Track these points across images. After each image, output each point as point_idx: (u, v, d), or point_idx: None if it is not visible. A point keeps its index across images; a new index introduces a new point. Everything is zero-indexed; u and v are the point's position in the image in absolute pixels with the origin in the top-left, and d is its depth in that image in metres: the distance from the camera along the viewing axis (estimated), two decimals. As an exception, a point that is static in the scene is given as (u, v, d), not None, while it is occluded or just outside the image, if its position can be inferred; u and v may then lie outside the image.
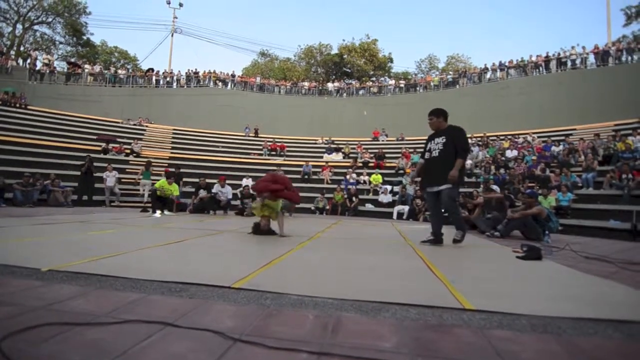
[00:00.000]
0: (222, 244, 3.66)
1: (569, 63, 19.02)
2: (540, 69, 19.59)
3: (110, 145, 14.82)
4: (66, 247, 3.09)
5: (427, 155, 4.29)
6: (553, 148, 13.18)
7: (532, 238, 5.13)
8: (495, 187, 6.16)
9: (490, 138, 16.21)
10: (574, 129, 16.05)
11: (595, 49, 18.42)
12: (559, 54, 19.53)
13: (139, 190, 12.05)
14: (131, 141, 15.98)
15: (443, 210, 4.30)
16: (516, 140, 15.49)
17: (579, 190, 9.81)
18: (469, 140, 15.50)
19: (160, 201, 8.02)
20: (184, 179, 10.91)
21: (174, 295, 1.76)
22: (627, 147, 11.07)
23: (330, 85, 25.69)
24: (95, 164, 11.18)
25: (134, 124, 19.43)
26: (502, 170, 11.82)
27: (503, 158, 13.24)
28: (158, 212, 7.62)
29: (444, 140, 4.11)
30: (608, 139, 12.45)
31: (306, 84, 26.14)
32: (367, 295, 1.84)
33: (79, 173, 10.55)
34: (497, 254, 3.74)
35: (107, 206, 10.36)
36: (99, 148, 14.49)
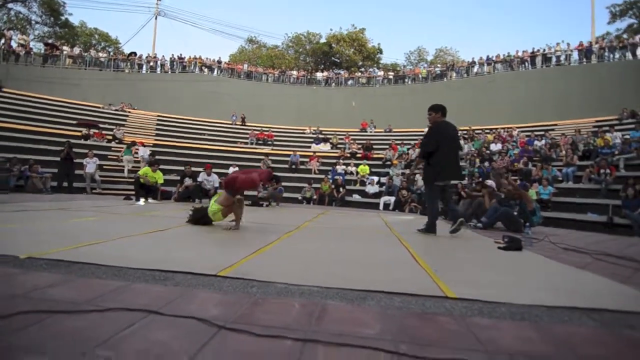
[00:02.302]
0: (208, 233, 3.62)
1: (554, 59, 19.38)
2: (526, 64, 19.89)
3: (92, 131, 14.37)
4: (46, 234, 3.01)
5: None
6: (536, 142, 13.50)
7: (514, 230, 5.28)
8: (489, 181, 6.31)
9: (476, 131, 16.45)
10: (556, 124, 16.47)
11: (580, 46, 18.81)
12: (544, 50, 19.85)
13: (123, 166, 12.16)
14: (113, 127, 15.53)
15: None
16: (501, 134, 15.77)
17: (559, 184, 10.12)
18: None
19: (144, 189, 7.86)
20: (166, 167, 10.71)
21: (159, 283, 1.74)
22: (605, 143, 11.44)
23: (319, 74, 25.46)
24: (75, 150, 10.84)
25: (116, 110, 18.87)
26: (486, 164, 12.05)
27: (488, 151, 13.49)
28: (142, 200, 7.47)
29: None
30: (588, 134, 12.83)
31: (294, 72, 25.83)
32: (353, 284, 1.86)
33: (58, 159, 10.22)
34: (480, 244, 3.83)
35: (88, 193, 10.09)
36: (79, 134, 14.03)
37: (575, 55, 18.98)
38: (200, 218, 4.05)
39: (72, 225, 3.68)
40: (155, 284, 1.73)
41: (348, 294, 1.71)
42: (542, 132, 14.77)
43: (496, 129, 16.83)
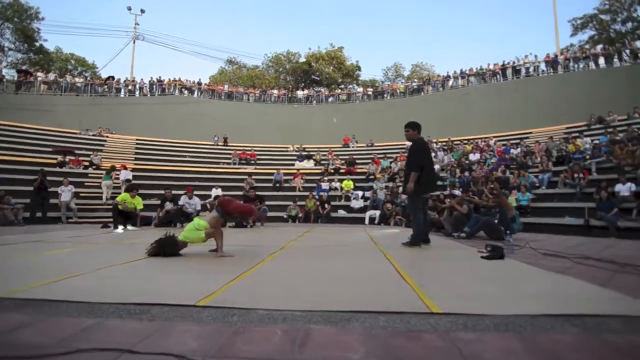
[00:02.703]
0: (189, 259, 3.51)
1: (523, 70, 20.32)
2: (498, 76, 20.76)
3: (67, 158, 13.95)
4: (16, 270, 2.85)
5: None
6: (512, 151, 13.94)
7: (495, 238, 5.37)
8: (456, 191, 6.45)
9: (455, 142, 16.89)
10: (530, 132, 17.10)
11: (546, 57, 19.83)
12: (514, 62, 20.82)
13: (101, 192, 11.84)
14: (90, 153, 15.13)
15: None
16: (478, 144, 16.24)
17: (536, 190, 10.41)
18: (435, 145, 15.94)
19: (123, 216, 7.62)
20: (146, 192, 10.47)
21: (134, 318, 1.66)
22: (577, 149, 11.93)
23: (299, 92, 25.80)
24: (51, 178, 10.48)
25: (93, 135, 18.45)
26: (466, 173, 12.33)
27: (467, 161, 13.82)
28: (120, 228, 7.22)
29: (408, 152, 4.76)
30: (560, 141, 13.36)
31: (275, 91, 26.09)
32: (337, 305, 1.83)
33: (31, 189, 9.84)
34: (463, 254, 3.86)
35: (64, 223, 9.70)
36: (54, 161, 13.59)
37: (542, 67, 19.98)
38: (164, 247, 3.55)
39: (45, 258, 3.51)
40: (130, 319, 1.65)
41: (332, 316, 1.67)
42: (517, 141, 15.29)
43: (474, 139, 17.33)
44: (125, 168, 13.61)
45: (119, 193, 10.35)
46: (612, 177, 8.96)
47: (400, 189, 11.49)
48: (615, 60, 18.44)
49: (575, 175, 9.68)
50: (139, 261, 3.30)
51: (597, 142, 11.94)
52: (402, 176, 4.84)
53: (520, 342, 1.37)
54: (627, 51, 18.60)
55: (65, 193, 10.15)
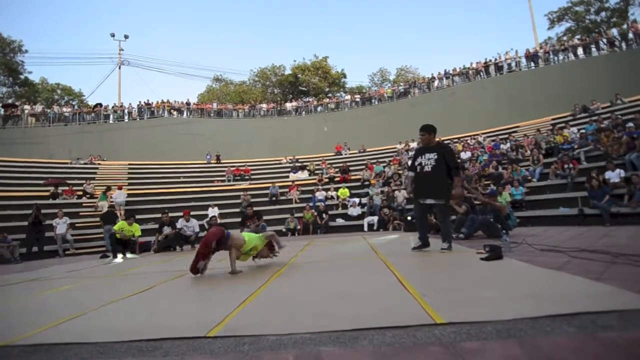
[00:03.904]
0: (193, 286, 3.53)
1: (505, 66, 20.77)
2: (481, 74, 21.19)
3: (60, 189, 13.88)
4: (18, 314, 2.85)
5: (418, 168, 4.57)
6: (502, 146, 14.16)
7: (493, 236, 5.45)
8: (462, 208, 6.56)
9: (445, 142, 17.10)
10: (518, 126, 17.41)
11: (527, 52, 20.30)
12: (495, 59, 21.28)
13: (99, 212, 12.04)
14: (83, 182, 15.07)
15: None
16: (468, 142, 16.47)
17: (529, 183, 10.58)
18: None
19: (121, 244, 7.59)
20: (143, 216, 10.50)
21: (147, 356, 1.68)
22: (565, 139, 12.17)
23: (288, 105, 26.02)
24: (44, 210, 10.42)
25: (85, 163, 18.39)
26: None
27: (459, 160, 13.99)
28: (119, 257, 7.20)
29: (436, 156, 4.42)
30: (547, 133, 13.62)
31: (264, 105, 26.28)
32: (344, 323, 1.87)
33: (25, 224, 9.76)
34: (463, 257, 3.93)
35: (61, 256, 9.62)
36: (47, 193, 13.51)
37: (524, 61, 20.45)
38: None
39: (47, 298, 3.50)
40: (142, 357, 1.68)
41: (340, 337, 1.72)
42: (505, 135, 15.55)
43: (463, 137, 17.58)
44: (120, 189, 13.62)
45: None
46: (601, 165, 9.16)
47: (396, 192, 11.56)
48: (594, 49, 18.96)
49: (565, 165, 9.87)
50: (143, 293, 3.31)
51: (583, 131, 12.19)
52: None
53: (522, 347, 1.43)
54: (604, 40, 19.15)
55: (61, 225, 10.09)
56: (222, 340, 1.80)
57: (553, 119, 16.23)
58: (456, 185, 4.31)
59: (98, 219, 11.69)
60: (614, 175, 8.51)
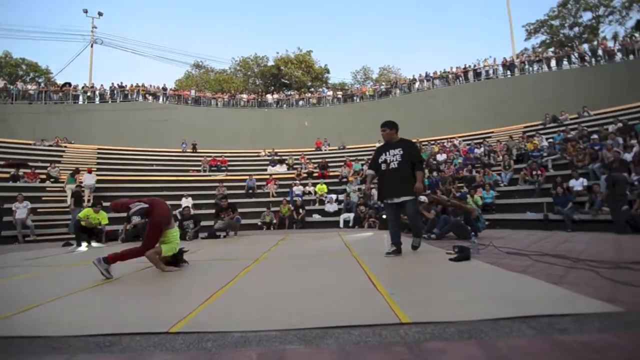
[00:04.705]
0: (159, 279, 3.42)
1: (483, 73, 21.39)
2: (460, 79, 21.71)
3: (21, 171, 13.08)
4: (-35, 303, 2.65)
5: (383, 166, 4.28)
6: (476, 150, 14.61)
7: (463, 237, 5.62)
8: (422, 198, 6.67)
9: (422, 143, 17.45)
10: (492, 132, 18.01)
11: (504, 61, 20.97)
12: (474, 65, 21.86)
13: (65, 196, 11.76)
14: (47, 165, 14.27)
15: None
16: (445, 144, 16.88)
17: (499, 187, 10.98)
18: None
19: (86, 232, 7.26)
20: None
21: (104, 352, 1.60)
22: (535, 147, 12.70)
23: (269, 97, 25.67)
24: (3, 194, 9.80)
25: (50, 145, 17.42)
26: (434, 174, 12.78)
27: (435, 162, 14.32)
28: (84, 245, 6.89)
29: (401, 152, 4.19)
30: (519, 140, 14.17)
31: (245, 96, 25.82)
32: (312, 321, 1.86)
33: (-19, 207, 9.14)
34: (433, 257, 4.02)
35: (20, 242, 9.10)
36: (7, 175, 12.71)
37: (500, 70, 21.13)
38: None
39: (1, 288, 3.29)
40: (99, 352, 1.60)
41: (307, 334, 1.70)
42: (480, 140, 16.05)
43: (440, 139, 18.00)
44: (90, 172, 13.08)
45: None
46: (567, 173, 9.63)
47: (374, 190, 11.70)
48: (565, 62, 19.84)
49: (534, 172, 10.30)
50: (105, 285, 3.17)
51: (551, 140, 12.77)
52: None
53: (482, 349, 1.47)
54: (576, 54, 20.08)
55: (21, 210, 9.53)
56: (185, 336, 1.74)
57: (525, 127, 16.90)
58: (418, 179, 4.03)
59: (65, 204, 11.17)
60: (578, 184, 8.96)
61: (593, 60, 18.99)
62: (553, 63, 20.16)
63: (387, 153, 4.28)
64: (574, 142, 11.43)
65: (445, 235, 6.09)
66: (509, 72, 20.78)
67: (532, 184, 10.15)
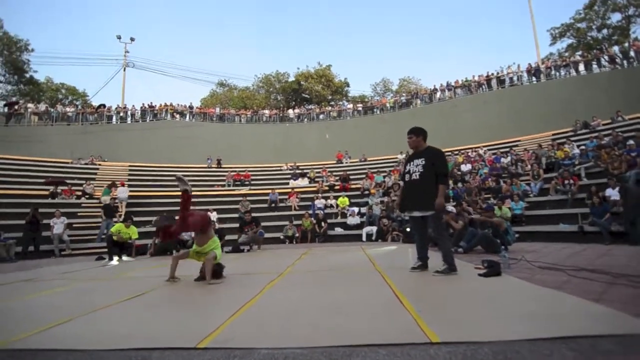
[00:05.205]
0: (187, 293, 3.49)
1: (507, 80, 20.88)
2: (483, 87, 21.28)
3: (59, 189, 13.84)
4: (7, 316, 2.80)
5: (406, 177, 4.08)
6: (502, 160, 14.15)
7: (492, 251, 5.41)
8: (450, 208, 6.51)
9: (446, 154, 17.11)
10: (519, 140, 17.42)
11: (528, 67, 20.43)
12: (498, 72, 21.41)
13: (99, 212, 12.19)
14: (83, 182, 15.04)
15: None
16: (469, 154, 16.47)
17: (529, 198, 10.53)
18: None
19: (118, 246, 7.54)
20: (141, 219, 10.61)
21: (134, 366, 1.65)
22: (565, 155, 12.16)
23: (290, 111, 26.12)
24: (43, 210, 10.38)
25: (85, 163, 18.39)
26: (459, 184, 12.45)
27: (459, 172, 13.98)
28: (115, 259, 7.15)
29: (423, 162, 3.91)
30: (548, 148, 13.63)
31: (267, 111, 26.38)
32: (338, 338, 1.83)
33: (23, 222, 9.71)
34: (461, 273, 3.87)
35: (57, 256, 9.54)
36: (46, 192, 13.48)
37: (525, 76, 20.57)
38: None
39: (39, 300, 3.46)
40: (131, 367, 1.64)
41: (333, 352, 1.68)
42: (506, 149, 15.55)
43: (464, 149, 17.59)
44: (123, 185, 13.77)
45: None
46: (602, 181, 9.12)
47: (395, 204, 11.52)
48: (595, 66, 19.07)
49: (566, 181, 9.84)
50: (135, 298, 3.26)
51: (583, 147, 12.19)
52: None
53: (519, 371, 1.39)
54: (606, 57, 19.29)
55: (58, 225, 10.03)
56: (212, 352, 1.76)
57: (554, 134, 16.24)
58: (439, 194, 3.70)
59: (99, 219, 11.68)
60: (615, 193, 8.44)
61: (625, 62, 18.15)
62: (581, 67, 19.43)
63: (412, 163, 4.05)
64: (608, 148, 10.86)
65: (472, 249, 5.88)
66: (534, 78, 20.19)
67: (564, 194, 9.67)
